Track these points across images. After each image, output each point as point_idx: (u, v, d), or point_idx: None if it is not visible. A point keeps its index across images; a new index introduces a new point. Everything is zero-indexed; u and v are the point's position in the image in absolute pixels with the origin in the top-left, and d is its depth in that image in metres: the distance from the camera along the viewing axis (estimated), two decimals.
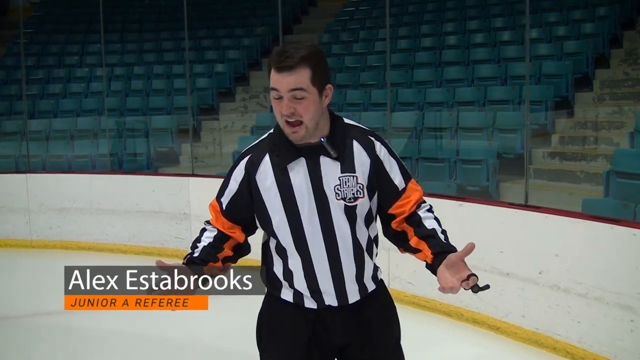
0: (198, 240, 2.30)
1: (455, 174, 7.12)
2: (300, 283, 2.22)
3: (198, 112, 10.47)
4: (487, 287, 1.99)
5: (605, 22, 9.25)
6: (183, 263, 2.21)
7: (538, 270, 4.44)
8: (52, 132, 10.40)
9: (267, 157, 2.19)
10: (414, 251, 2.20)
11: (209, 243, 2.27)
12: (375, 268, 2.32)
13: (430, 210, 2.24)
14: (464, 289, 1.98)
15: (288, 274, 2.23)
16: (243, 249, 2.35)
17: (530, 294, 4.51)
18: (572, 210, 4.59)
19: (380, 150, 2.20)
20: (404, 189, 2.21)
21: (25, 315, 5.63)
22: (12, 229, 8.07)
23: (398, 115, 8.41)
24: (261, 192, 2.18)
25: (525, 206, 4.73)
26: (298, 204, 2.14)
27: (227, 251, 2.29)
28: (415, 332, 4.96)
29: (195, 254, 2.24)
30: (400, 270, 5.32)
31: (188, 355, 4.82)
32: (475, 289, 1.97)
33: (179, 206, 7.17)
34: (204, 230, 2.34)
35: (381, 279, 2.37)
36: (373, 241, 2.29)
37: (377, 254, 2.35)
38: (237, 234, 2.29)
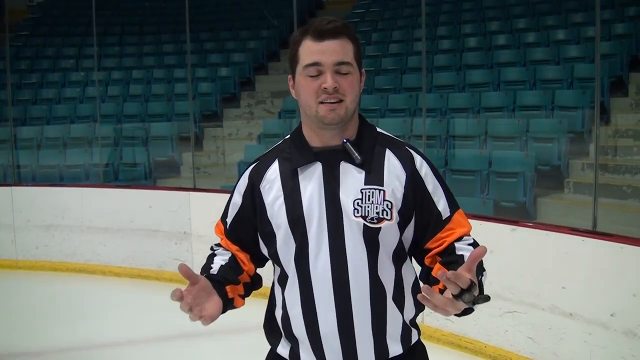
0: (210, 261, 1.89)
1: (488, 188, 6.40)
2: (298, 325, 1.79)
3: (200, 119, 9.95)
4: (485, 298, 1.55)
5: (637, 23, 8.70)
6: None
7: (609, 312, 3.70)
8: (44, 139, 9.82)
9: (275, 164, 1.83)
10: (434, 283, 1.71)
11: (226, 263, 1.87)
12: (408, 328, 1.83)
13: (473, 244, 1.78)
14: (452, 294, 1.53)
15: (286, 316, 1.82)
16: (256, 280, 1.94)
17: (599, 340, 3.77)
18: None
19: (422, 166, 1.80)
20: (449, 218, 1.79)
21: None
22: None
23: (419, 122, 7.71)
24: (265, 204, 1.80)
25: (594, 233, 3.97)
26: (306, 219, 1.74)
27: (245, 276, 1.89)
28: None
29: (213, 271, 1.84)
30: None
31: None
32: (467, 297, 1.52)
33: (179, 224, 6.44)
34: (212, 255, 1.93)
35: (417, 343, 1.89)
36: (406, 288, 1.82)
37: (417, 311, 1.85)
38: (247, 265, 1.90)
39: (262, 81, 11.34)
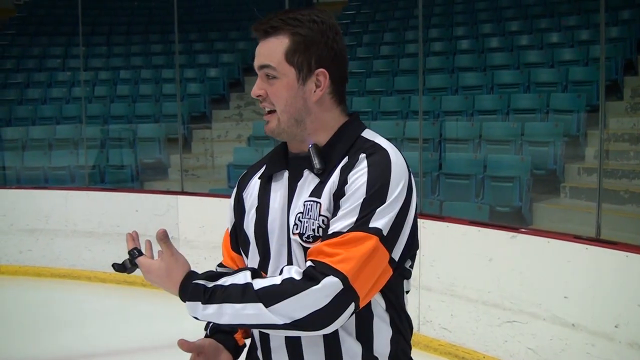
0: None
1: (483, 192, 6.27)
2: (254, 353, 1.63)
3: (189, 120, 9.79)
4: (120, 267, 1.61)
5: (632, 26, 8.62)
6: (207, 335, 1.68)
7: (614, 323, 3.57)
8: (29, 141, 9.60)
9: (262, 170, 1.67)
10: None
11: None
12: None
13: (311, 276, 1.36)
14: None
15: (253, 344, 1.65)
16: None
17: (603, 351, 3.64)
18: None
19: (357, 173, 1.45)
20: (334, 234, 1.40)
21: None
22: None
23: (411, 125, 7.58)
24: (245, 213, 1.65)
25: (598, 241, 3.84)
26: (269, 235, 1.56)
27: None
28: None
29: None
30: (433, 313, 4.44)
31: None
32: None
33: (167, 229, 6.21)
34: None
35: None
36: (377, 317, 1.50)
37: (397, 345, 1.53)
38: None
39: (251, 82, 10.99)
